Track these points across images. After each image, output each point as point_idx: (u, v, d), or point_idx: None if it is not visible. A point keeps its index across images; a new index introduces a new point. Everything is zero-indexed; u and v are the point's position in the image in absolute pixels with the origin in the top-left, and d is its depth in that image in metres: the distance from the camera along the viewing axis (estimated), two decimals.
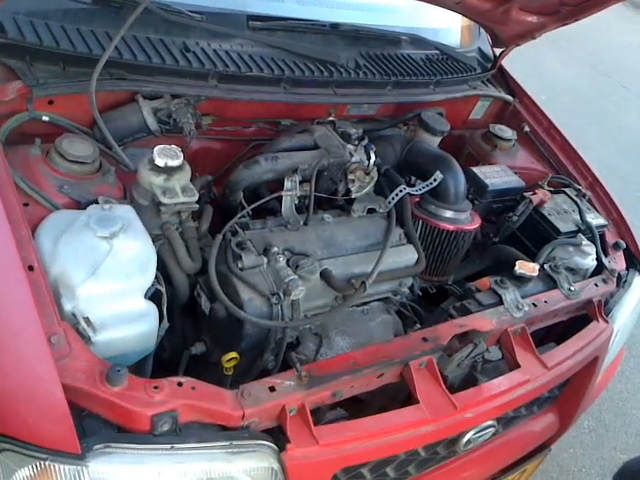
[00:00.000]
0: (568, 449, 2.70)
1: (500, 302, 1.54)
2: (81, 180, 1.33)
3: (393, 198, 1.64)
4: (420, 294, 1.72)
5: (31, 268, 1.06)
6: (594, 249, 1.82)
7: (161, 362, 1.43)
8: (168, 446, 1.01)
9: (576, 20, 1.84)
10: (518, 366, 1.46)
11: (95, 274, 1.11)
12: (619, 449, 2.80)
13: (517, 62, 2.41)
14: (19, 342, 1.00)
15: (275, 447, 1.10)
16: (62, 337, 1.02)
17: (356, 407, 1.38)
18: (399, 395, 1.45)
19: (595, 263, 1.82)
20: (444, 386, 1.33)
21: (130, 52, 1.47)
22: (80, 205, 1.27)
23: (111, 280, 1.13)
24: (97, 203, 1.25)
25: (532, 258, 1.77)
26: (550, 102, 2.52)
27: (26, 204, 1.22)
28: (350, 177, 1.64)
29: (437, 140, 1.93)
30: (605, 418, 2.93)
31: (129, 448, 0.99)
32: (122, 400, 0.99)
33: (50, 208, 1.24)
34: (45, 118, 1.39)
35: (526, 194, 1.91)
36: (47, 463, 0.93)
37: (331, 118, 1.80)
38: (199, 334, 1.44)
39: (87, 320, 1.09)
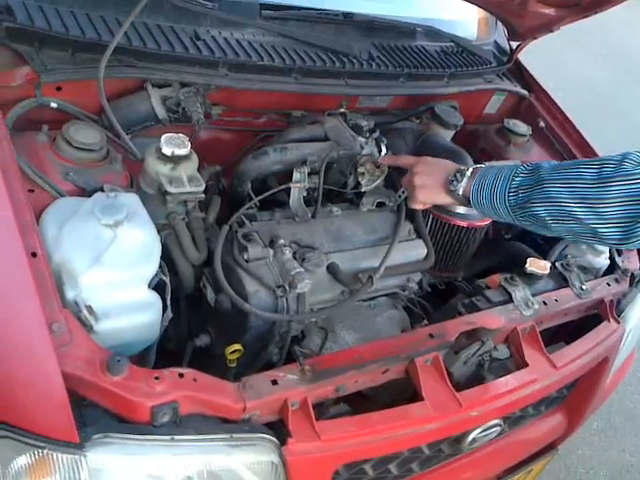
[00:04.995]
0: (576, 450, 2.68)
1: (510, 300, 1.51)
2: (87, 167, 1.31)
3: (403, 192, 1.62)
4: (429, 290, 1.70)
5: (34, 255, 1.05)
6: (607, 248, 1.79)
7: (167, 353, 1.42)
8: (168, 437, 1.00)
9: (595, 13, 1.79)
10: (526, 365, 1.43)
11: (99, 262, 1.10)
12: (628, 451, 2.77)
13: (534, 58, 2.37)
14: (20, 329, 0.99)
15: (276, 441, 1.09)
16: (63, 325, 1.00)
17: (360, 402, 1.36)
18: (404, 391, 1.43)
19: (608, 262, 1.79)
20: (450, 383, 1.30)
21: (139, 39, 1.45)
22: (85, 192, 1.26)
23: (114, 269, 1.12)
24: (102, 191, 1.24)
25: (544, 255, 1.74)
26: (567, 98, 2.46)
27: (31, 190, 1.20)
28: (360, 170, 1.61)
29: (450, 134, 1.90)
30: (614, 420, 2.90)
31: (128, 439, 0.98)
32: (122, 390, 0.98)
33: (55, 195, 1.23)
34: (53, 105, 1.38)
35: None
36: (45, 452, 0.92)
37: (342, 110, 1.77)
38: (204, 326, 1.43)
39: (89, 308, 1.08)
